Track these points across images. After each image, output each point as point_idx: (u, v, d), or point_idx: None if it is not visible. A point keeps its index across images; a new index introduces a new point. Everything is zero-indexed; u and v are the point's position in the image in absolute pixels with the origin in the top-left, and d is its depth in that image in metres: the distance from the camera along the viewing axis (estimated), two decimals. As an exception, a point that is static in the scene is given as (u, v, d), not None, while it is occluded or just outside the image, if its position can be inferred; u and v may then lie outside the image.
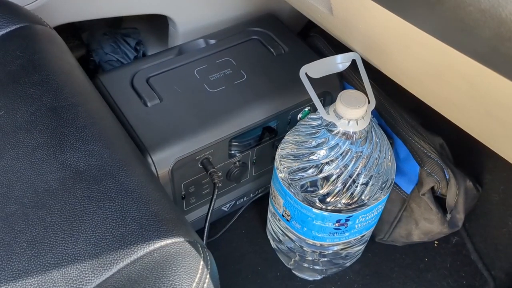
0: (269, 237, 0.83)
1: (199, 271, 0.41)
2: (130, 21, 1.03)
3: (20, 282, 0.39)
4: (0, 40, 0.57)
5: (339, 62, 0.61)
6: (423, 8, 0.32)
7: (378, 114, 0.75)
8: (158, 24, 0.96)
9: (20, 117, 0.50)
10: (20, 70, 0.54)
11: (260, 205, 0.87)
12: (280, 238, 0.77)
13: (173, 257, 0.40)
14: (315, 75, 0.60)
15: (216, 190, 0.68)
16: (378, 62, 0.56)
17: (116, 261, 0.40)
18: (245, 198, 0.85)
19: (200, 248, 0.42)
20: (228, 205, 0.83)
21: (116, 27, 1.02)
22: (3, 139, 0.48)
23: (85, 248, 0.41)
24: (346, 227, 0.66)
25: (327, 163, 0.61)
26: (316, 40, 0.86)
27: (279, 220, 0.73)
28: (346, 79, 0.79)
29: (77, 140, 0.48)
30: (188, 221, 0.77)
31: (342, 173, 0.61)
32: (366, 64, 0.60)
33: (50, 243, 0.41)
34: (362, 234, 0.71)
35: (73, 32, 0.99)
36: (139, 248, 0.41)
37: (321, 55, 0.83)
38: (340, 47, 0.66)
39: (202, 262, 0.41)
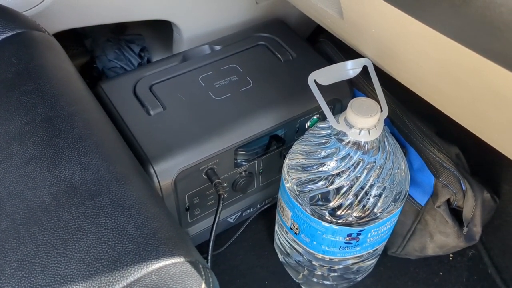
0: (276, 250, 0.80)
1: (201, 294, 0.38)
2: (134, 27, 1.01)
3: (8, 305, 0.37)
4: (-5, 47, 0.55)
5: (350, 69, 0.59)
6: (445, 10, 0.29)
7: (390, 122, 0.72)
8: (162, 30, 0.94)
9: (13, 127, 0.47)
10: (15, 78, 0.51)
11: (267, 216, 0.84)
12: (288, 251, 0.73)
13: (172, 280, 0.37)
14: (325, 82, 0.57)
15: (222, 201, 0.66)
16: (392, 68, 0.53)
17: (111, 283, 0.37)
18: (251, 209, 0.82)
19: (201, 269, 0.39)
20: (234, 217, 0.80)
21: (120, 33, 1.00)
22: (-5, 151, 0.46)
23: (78, 269, 0.38)
24: (357, 241, 0.63)
25: (337, 174, 0.58)
26: (325, 45, 0.83)
27: (286, 232, 0.70)
28: (356, 85, 0.76)
29: (72, 152, 0.45)
30: (189, 236, 0.74)
31: (353, 184, 0.58)
32: (377, 69, 0.58)
33: (42, 263, 0.39)
34: (374, 248, 0.68)
35: (76, 39, 0.97)
36: (136, 270, 0.38)
37: (330, 61, 0.81)
38: (350, 53, 0.64)
39: (204, 285, 0.38)
